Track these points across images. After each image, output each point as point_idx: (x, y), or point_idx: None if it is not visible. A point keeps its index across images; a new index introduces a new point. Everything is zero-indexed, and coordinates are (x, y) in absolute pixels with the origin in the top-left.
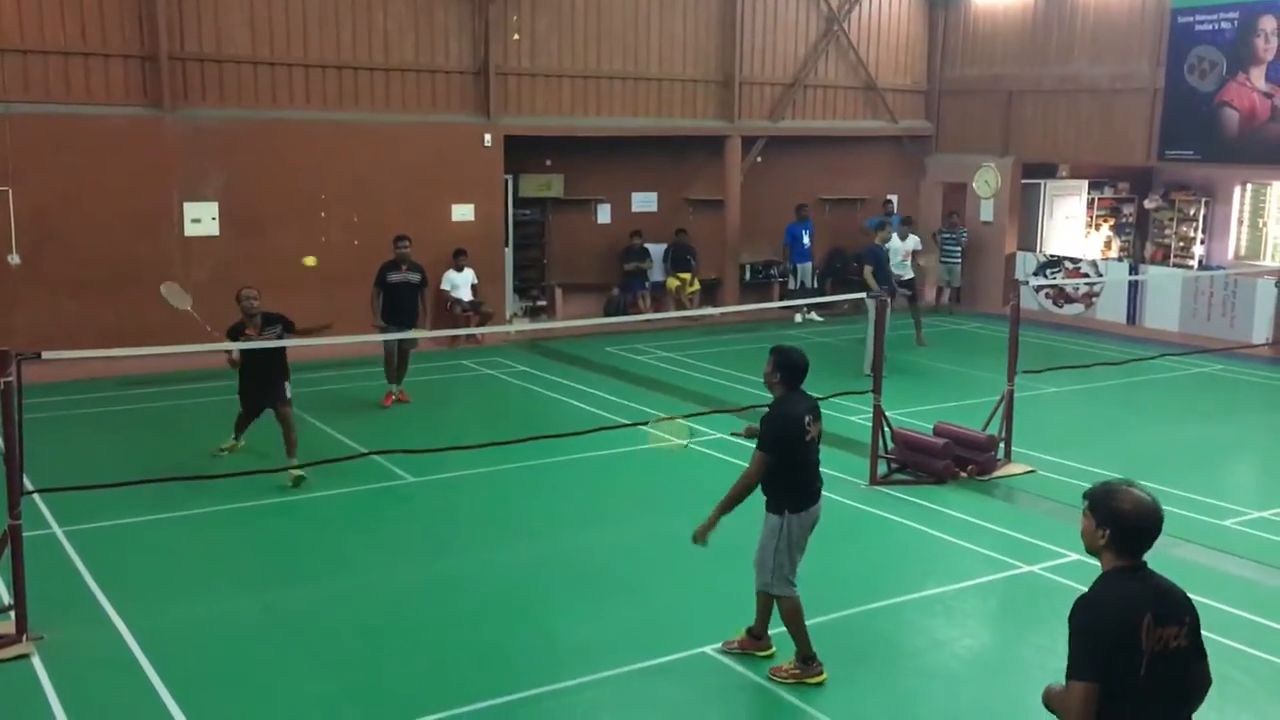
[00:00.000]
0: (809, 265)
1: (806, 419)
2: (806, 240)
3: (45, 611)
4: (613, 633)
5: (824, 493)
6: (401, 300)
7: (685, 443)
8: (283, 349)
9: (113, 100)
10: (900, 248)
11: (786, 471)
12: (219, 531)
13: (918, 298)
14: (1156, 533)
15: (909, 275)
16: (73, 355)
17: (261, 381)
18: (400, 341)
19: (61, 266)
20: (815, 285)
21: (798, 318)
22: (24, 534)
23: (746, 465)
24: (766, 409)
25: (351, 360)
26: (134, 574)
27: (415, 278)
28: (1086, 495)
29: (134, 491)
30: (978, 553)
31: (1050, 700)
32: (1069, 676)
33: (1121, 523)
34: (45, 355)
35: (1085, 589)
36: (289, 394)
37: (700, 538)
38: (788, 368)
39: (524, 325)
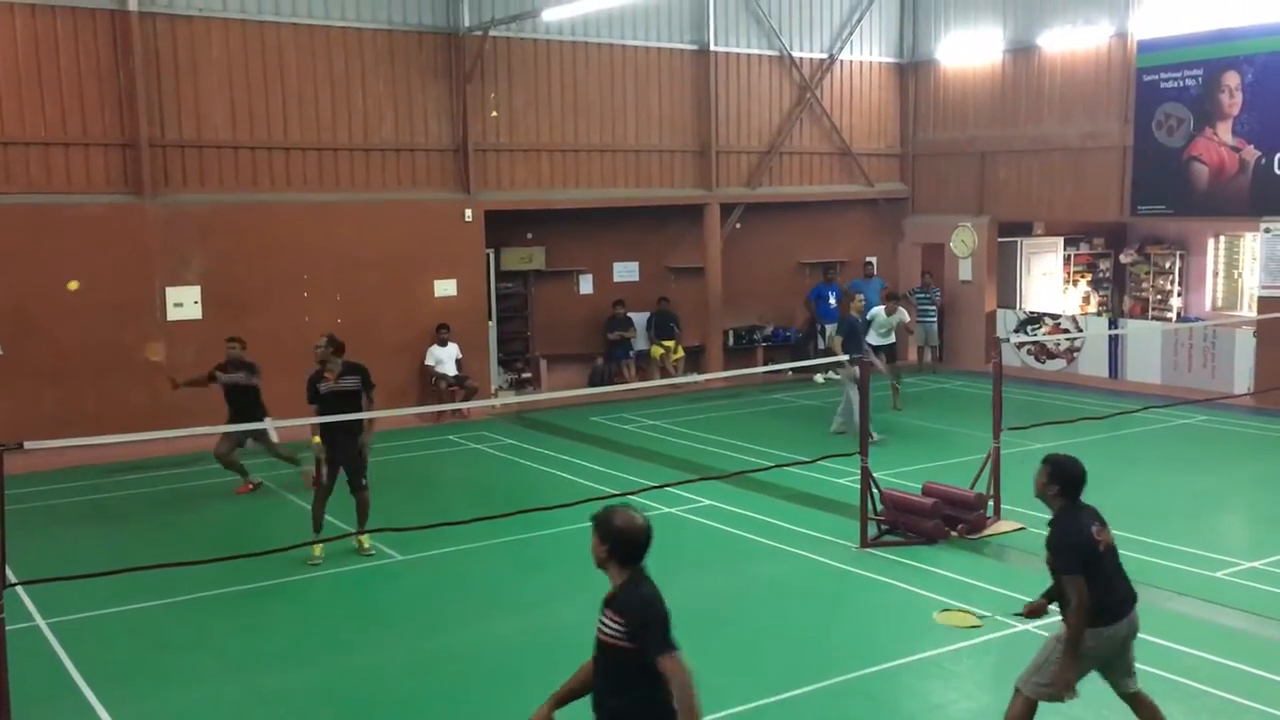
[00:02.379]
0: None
1: (1093, 528)
2: (833, 301)
3: (29, 707)
4: None
5: (817, 557)
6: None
7: (979, 624)
8: (358, 403)
9: (94, 189)
10: (887, 323)
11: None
12: (205, 617)
13: (896, 358)
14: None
15: (890, 342)
16: (56, 444)
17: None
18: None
19: (43, 355)
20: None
21: (819, 378)
22: (6, 627)
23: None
24: (1048, 528)
25: None
26: (119, 664)
27: (246, 377)
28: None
29: (118, 579)
30: (972, 613)
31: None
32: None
33: (1066, 478)
34: (27, 445)
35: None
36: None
37: (1068, 692)
38: (1066, 479)
39: (509, 398)
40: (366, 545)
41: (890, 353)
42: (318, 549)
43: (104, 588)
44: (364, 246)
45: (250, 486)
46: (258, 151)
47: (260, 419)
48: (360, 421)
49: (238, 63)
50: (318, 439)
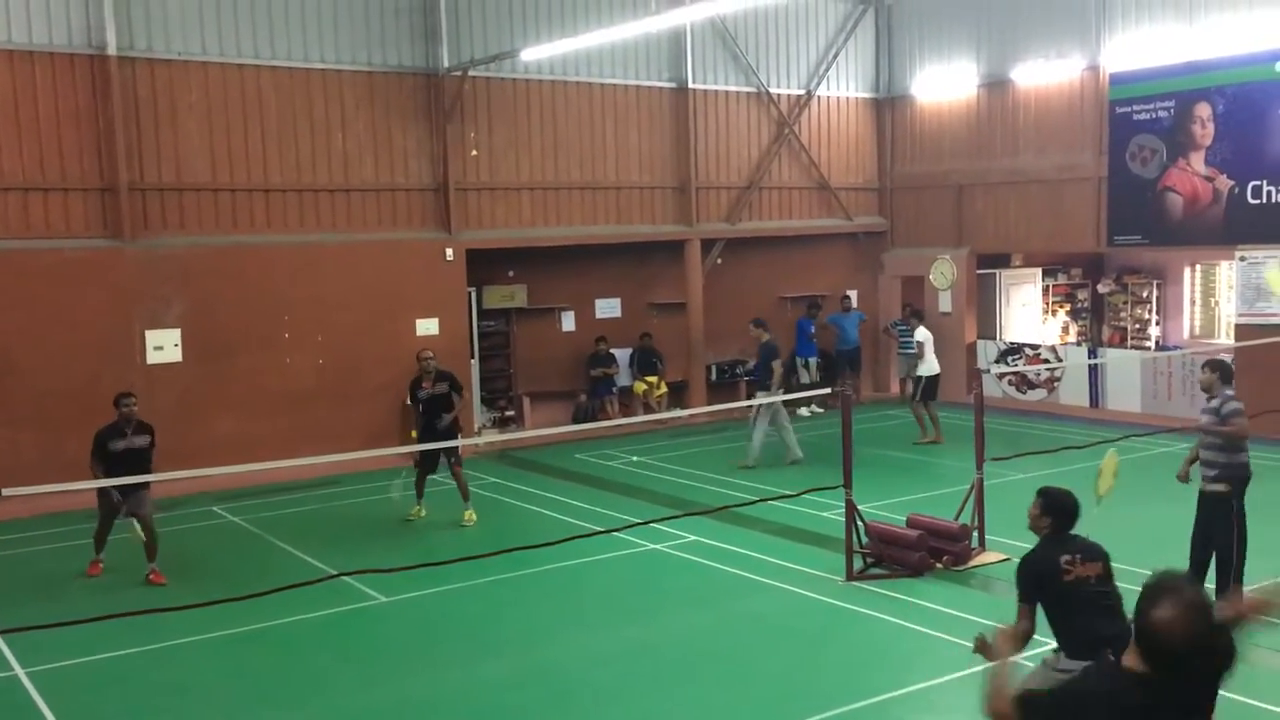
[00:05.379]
0: (816, 360)
1: (1063, 559)
2: (811, 334)
3: None
4: None
5: (803, 591)
6: (130, 470)
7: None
8: (452, 408)
9: (73, 233)
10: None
11: (1051, 619)
12: (188, 663)
13: (915, 393)
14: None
15: (920, 372)
16: (35, 490)
17: (431, 423)
18: (134, 507)
19: (23, 400)
20: (820, 378)
21: (803, 411)
22: None
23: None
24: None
25: (315, 481)
26: (102, 713)
27: (143, 441)
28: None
29: (100, 626)
30: (959, 645)
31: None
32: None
33: (1057, 510)
34: (6, 492)
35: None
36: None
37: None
38: (1058, 512)
39: (493, 436)
40: (472, 518)
41: (930, 386)
42: (421, 510)
43: (86, 635)
44: (345, 287)
45: (100, 568)
46: (238, 194)
47: (145, 486)
48: (452, 413)
49: (217, 106)
50: (415, 433)
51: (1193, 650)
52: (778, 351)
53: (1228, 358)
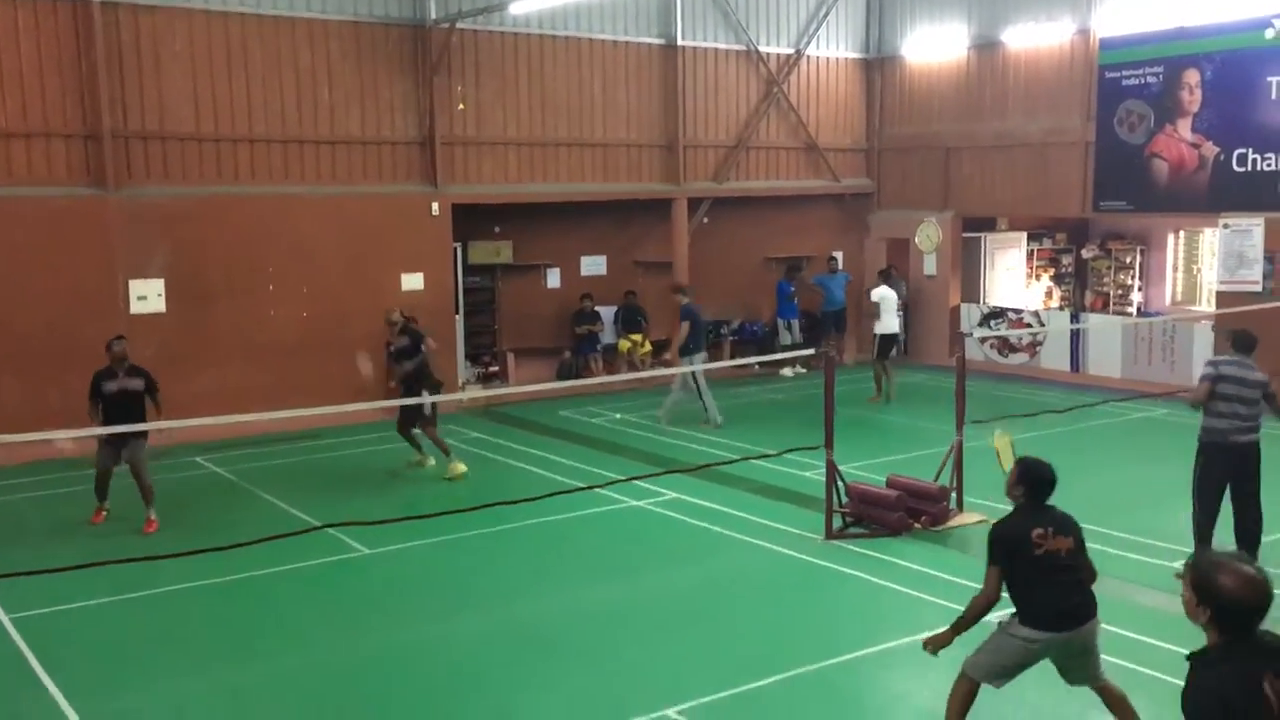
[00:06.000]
0: (797, 321)
1: (1035, 532)
2: (790, 296)
3: None
4: (574, 700)
5: (782, 549)
6: (123, 412)
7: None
8: (425, 364)
9: (55, 180)
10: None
11: (1014, 586)
12: (171, 612)
13: (874, 351)
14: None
15: (876, 330)
16: (14, 439)
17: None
18: (127, 454)
19: (4, 349)
20: (803, 339)
21: (787, 371)
22: None
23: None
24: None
25: (299, 433)
26: (84, 659)
27: (136, 383)
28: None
29: (83, 574)
30: (934, 604)
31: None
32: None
33: (1033, 479)
34: None
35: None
36: (427, 410)
37: (932, 648)
38: (1032, 482)
39: (476, 392)
40: (458, 470)
41: (883, 345)
42: (427, 461)
43: (69, 583)
44: (330, 240)
45: (104, 515)
46: (222, 144)
47: (140, 433)
48: (426, 371)
49: (201, 54)
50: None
51: (1263, 601)
52: (690, 313)
53: (1208, 323)
